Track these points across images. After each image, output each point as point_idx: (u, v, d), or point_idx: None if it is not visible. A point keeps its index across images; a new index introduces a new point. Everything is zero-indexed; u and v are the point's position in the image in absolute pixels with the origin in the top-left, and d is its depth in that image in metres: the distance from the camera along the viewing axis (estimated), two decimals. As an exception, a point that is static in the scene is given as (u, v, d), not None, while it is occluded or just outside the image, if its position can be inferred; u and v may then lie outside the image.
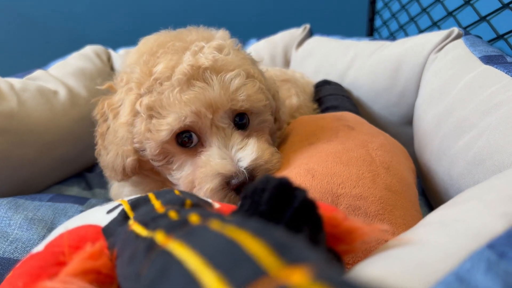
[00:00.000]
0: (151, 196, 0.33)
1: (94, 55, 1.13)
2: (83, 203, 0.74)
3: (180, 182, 0.58)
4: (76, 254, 0.28)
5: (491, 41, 0.88)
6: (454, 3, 1.04)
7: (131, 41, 1.72)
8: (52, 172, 0.92)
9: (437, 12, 1.15)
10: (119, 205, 0.34)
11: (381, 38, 1.60)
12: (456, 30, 0.86)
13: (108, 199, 0.95)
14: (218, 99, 0.53)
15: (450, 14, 1.07)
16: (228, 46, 0.59)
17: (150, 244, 0.24)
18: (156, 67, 0.54)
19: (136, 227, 0.28)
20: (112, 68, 1.18)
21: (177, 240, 0.22)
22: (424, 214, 0.70)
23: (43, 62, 1.75)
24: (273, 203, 0.28)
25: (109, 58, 1.20)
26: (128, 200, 0.34)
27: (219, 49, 0.57)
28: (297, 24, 1.42)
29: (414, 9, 1.31)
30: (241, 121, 0.58)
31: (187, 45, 0.57)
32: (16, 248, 0.56)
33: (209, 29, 0.65)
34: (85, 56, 1.11)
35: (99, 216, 0.34)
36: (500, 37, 0.85)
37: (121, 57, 1.19)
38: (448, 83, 0.74)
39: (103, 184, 0.98)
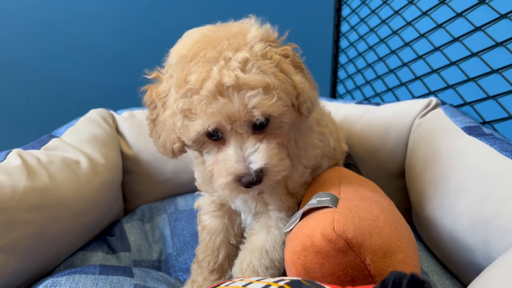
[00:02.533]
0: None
1: (101, 119, 1.17)
2: (131, 275, 0.80)
3: (207, 165, 0.72)
4: None
5: (458, 106, 1.07)
6: (422, 69, 1.23)
7: (115, 93, 1.74)
8: (79, 241, 0.95)
9: (404, 74, 1.34)
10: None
11: (346, 89, 1.78)
12: (434, 100, 1.04)
13: (134, 261, 0.99)
14: (237, 113, 0.64)
15: (418, 78, 1.26)
16: (253, 57, 0.66)
17: None
18: (191, 76, 0.65)
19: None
20: (118, 131, 1.22)
21: None
22: (426, 258, 0.84)
23: (25, 118, 1.72)
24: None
25: (113, 120, 1.24)
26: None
27: (244, 63, 0.65)
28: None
29: (380, 68, 1.50)
30: (259, 123, 0.68)
31: (217, 55, 0.66)
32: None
33: (243, 25, 0.72)
34: (93, 121, 1.14)
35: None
36: (467, 103, 1.04)
37: (125, 119, 1.22)
38: (439, 150, 0.89)
39: (126, 247, 1.02)
